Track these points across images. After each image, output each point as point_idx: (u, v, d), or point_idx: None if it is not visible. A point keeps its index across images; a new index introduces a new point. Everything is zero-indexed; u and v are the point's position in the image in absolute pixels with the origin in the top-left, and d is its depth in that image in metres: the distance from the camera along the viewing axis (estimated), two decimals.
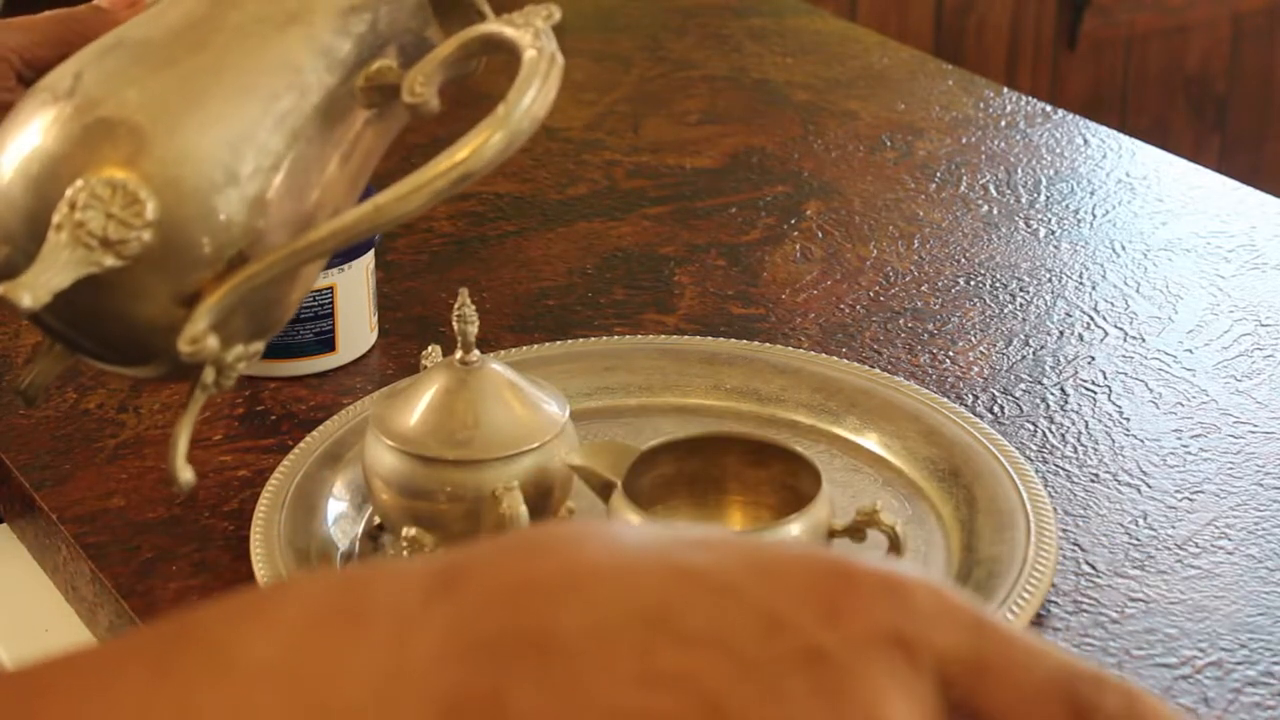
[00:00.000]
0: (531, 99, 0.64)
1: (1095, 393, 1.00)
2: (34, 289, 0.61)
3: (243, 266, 0.64)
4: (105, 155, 0.63)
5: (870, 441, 0.94)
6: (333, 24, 0.68)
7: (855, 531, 0.78)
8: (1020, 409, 0.98)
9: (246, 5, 0.67)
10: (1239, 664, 0.78)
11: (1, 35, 0.80)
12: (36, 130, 0.65)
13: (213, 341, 0.64)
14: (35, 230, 0.63)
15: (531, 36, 0.66)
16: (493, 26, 0.67)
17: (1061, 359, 1.03)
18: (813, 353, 1.01)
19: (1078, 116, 1.39)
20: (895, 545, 0.78)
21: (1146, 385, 1.00)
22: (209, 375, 0.65)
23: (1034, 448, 0.94)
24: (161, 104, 0.65)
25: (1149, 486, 0.91)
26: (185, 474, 0.66)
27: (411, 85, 0.66)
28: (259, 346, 0.67)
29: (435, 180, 0.63)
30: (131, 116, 0.64)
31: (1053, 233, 1.19)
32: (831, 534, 0.78)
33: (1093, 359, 1.03)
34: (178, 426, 0.66)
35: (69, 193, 0.63)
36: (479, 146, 0.63)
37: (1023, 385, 1.00)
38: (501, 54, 0.67)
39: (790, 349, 1.01)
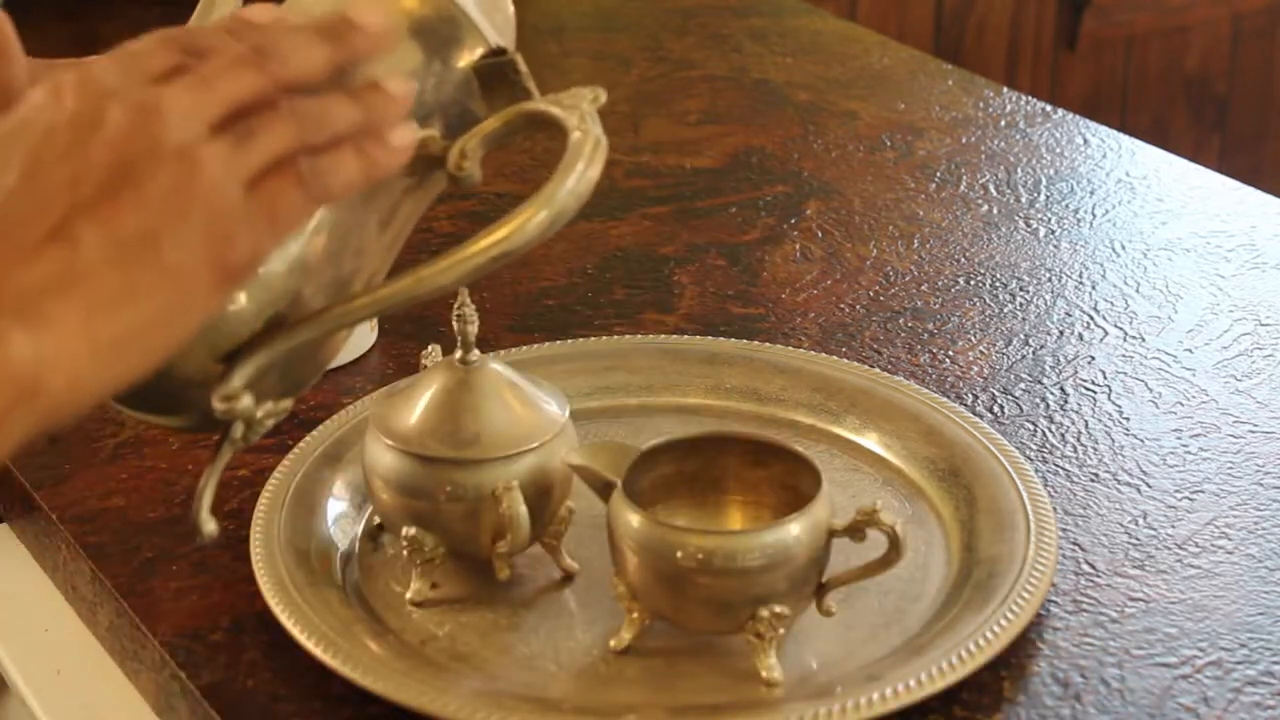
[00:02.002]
0: (576, 180, 0.66)
1: (1095, 392, 1.00)
2: None
3: (281, 326, 0.65)
4: None
5: (870, 441, 0.94)
6: None
7: (855, 531, 0.78)
8: (1020, 409, 0.98)
9: None
10: (1239, 664, 0.78)
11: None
12: None
13: (247, 399, 0.65)
14: None
15: (578, 119, 0.67)
16: (540, 105, 0.68)
17: (1061, 359, 1.03)
18: (813, 353, 1.01)
19: (1078, 116, 1.39)
20: (895, 545, 0.78)
21: (1146, 385, 1.00)
22: (238, 430, 0.66)
23: (1034, 448, 0.94)
24: None
25: (1149, 486, 0.91)
26: (209, 525, 0.68)
27: (457, 159, 0.67)
28: (288, 404, 0.68)
29: (476, 256, 0.65)
30: None
31: (1053, 232, 1.20)
32: (831, 534, 0.77)
33: (1092, 359, 1.03)
34: (204, 479, 0.68)
35: None
36: (522, 224, 0.65)
37: (1022, 385, 1.00)
38: (546, 132, 0.67)
39: (790, 349, 1.01)
